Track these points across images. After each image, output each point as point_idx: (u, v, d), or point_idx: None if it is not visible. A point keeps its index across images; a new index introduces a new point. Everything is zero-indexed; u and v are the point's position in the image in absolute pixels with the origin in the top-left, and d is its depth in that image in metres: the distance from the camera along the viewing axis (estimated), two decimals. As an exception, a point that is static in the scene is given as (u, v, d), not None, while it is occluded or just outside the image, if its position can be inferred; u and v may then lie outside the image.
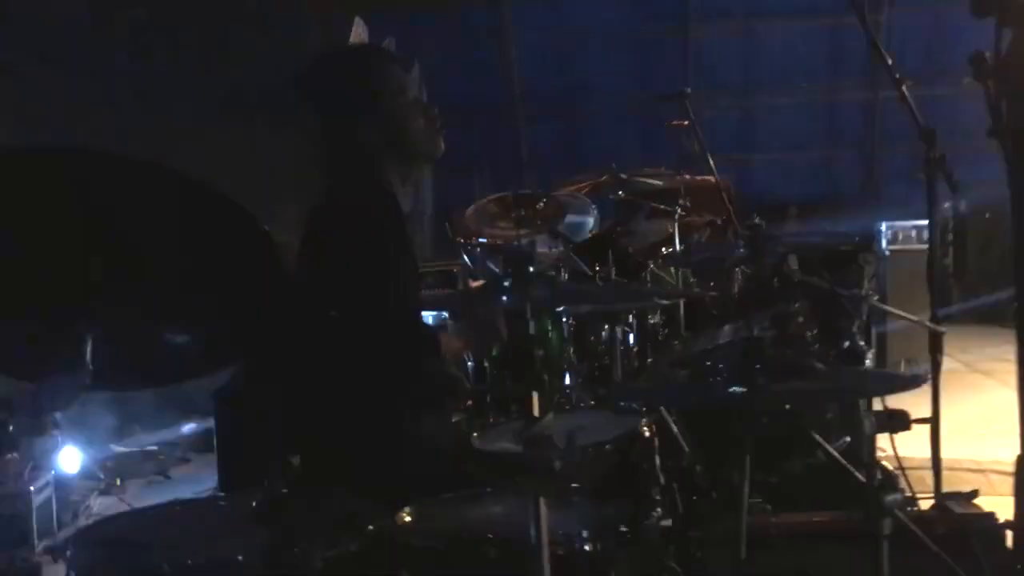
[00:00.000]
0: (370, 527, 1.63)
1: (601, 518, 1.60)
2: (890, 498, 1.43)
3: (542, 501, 1.30)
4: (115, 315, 1.29)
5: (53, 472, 4.78)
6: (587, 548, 1.56)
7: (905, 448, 5.46)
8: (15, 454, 4.86)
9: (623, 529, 1.58)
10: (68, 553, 1.53)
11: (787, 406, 1.71)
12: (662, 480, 1.97)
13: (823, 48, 10.70)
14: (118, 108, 5.43)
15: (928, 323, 2.76)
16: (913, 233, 7.42)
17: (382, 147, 2.47)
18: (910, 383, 1.57)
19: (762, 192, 10.74)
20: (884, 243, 7.48)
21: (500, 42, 11.14)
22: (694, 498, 1.96)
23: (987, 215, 9.76)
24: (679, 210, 4.27)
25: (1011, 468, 3.41)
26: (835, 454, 1.96)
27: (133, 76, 5.53)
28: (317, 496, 1.63)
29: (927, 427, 5.84)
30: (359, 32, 9.45)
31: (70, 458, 4.97)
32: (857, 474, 1.70)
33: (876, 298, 2.56)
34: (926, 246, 7.57)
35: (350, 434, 2.22)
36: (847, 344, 1.98)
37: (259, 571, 1.44)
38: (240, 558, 1.46)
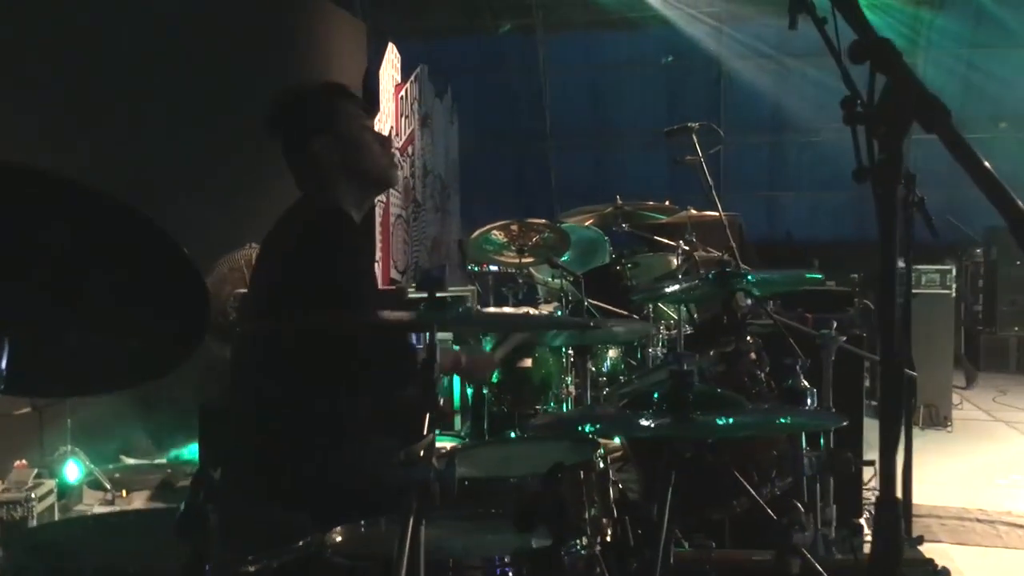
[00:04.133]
0: (299, 543, 1.65)
1: (522, 544, 1.61)
2: (798, 537, 1.41)
3: (412, 520, 1.30)
4: (35, 323, 1.32)
5: (56, 481, 4.87)
6: (508, 573, 1.57)
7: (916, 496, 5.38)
8: (24, 461, 4.97)
9: (542, 559, 1.58)
10: (1, 555, 1.57)
11: (709, 440, 1.70)
12: (613, 508, 1.97)
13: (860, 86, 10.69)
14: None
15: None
16: (937, 277, 7.32)
17: (338, 167, 2.58)
18: (828, 422, 1.55)
19: (790, 231, 10.68)
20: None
21: (534, 74, 11.27)
22: (638, 524, 1.95)
23: (1019, 262, 9.65)
24: (682, 244, 4.26)
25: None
26: (749, 489, 1.94)
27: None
28: (243, 510, 1.65)
29: (944, 474, 5.79)
30: (391, 57, 9.61)
31: (73, 468, 5.05)
32: (770, 511, 1.68)
33: (844, 339, 2.54)
34: (950, 291, 7.50)
35: (307, 442, 2.24)
36: (789, 382, 1.96)
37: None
38: (155, 570, 1.49)
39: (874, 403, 7.43)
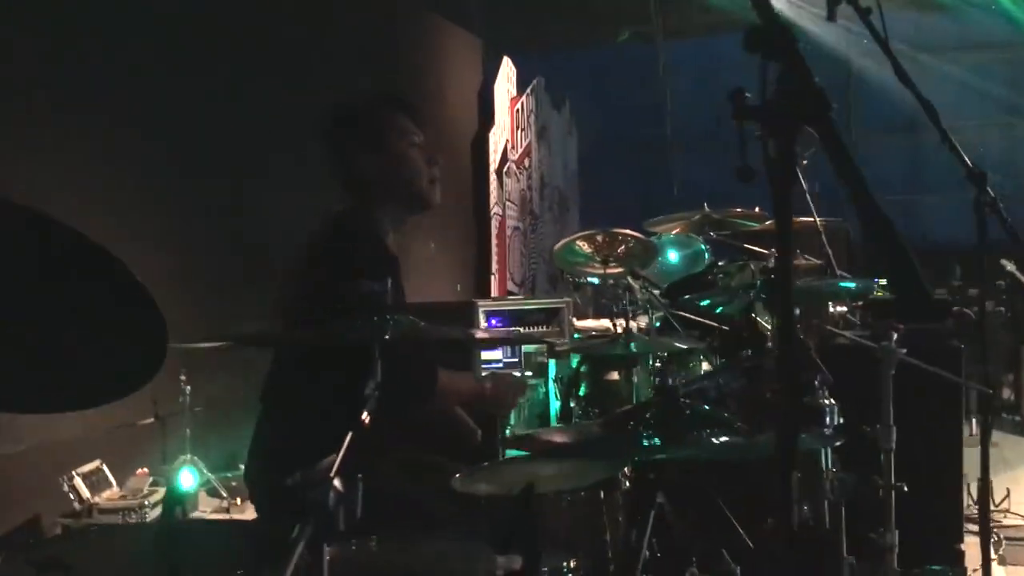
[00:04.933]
0: (291, 560, 1.64)
1: (494, 567, 1.55)
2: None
3: (302, 544, 1.25)
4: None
5: (167, 488, 5.08)
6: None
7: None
8: (145, 469, 5.21)
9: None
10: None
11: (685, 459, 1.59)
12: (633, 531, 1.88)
13: (999, 82, 10.07)
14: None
15: (974, 384, 2.50)
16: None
17: (377, 184, 2.56)
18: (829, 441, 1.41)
19: (931, 236, 10.16)
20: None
21: (654, 81, 11.11)
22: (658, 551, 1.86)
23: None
24: (773, 251, 4.08)
25: None
26: (732, 519, 1.81)
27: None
28: (227, 525, 1.66)
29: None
30: (506, 70, 9.67)
31: (188, 476, 5.26)
32: (742, 533, 1.55)
33: (904, 351, 2.35)
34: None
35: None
36: (805, 399, 1.82)
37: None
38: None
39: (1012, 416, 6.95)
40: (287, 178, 6.11)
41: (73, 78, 4.76)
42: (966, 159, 2.41)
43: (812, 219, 4.19)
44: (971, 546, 3.85)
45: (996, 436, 7.32)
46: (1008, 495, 5.08)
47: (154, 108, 5.16)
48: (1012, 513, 4.98)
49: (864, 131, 10.93)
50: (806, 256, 4.25)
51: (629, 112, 11.10)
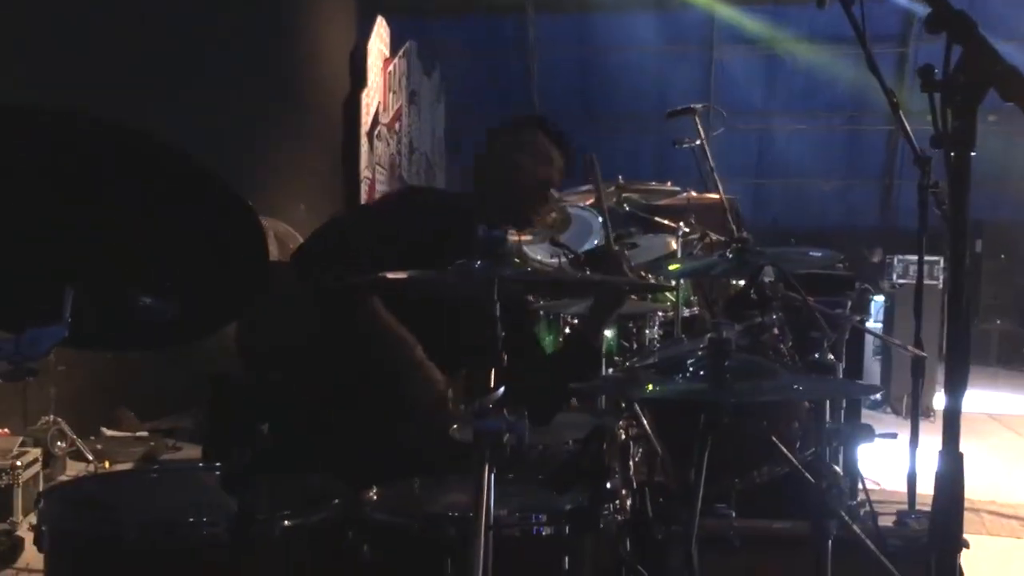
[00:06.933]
0: (335, 501, 1.65)
1: (559, 506, 1.61)
2: (835, 500, 1.42)
3: (486, 472, 1.30)
4: (96, 275, 1.30)
5: (40, 450, 4.82)
6: (543, 532, 1.58)
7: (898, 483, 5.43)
8: (6, 429, 4.91)
9: (579, 518, 1.58)
10: (40, 505, 1.56)
11: (741, 404, 1.68)
12: (633, 480, 1.96)
13: (846, 79, 10.71)
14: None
15: (911, 348, 2.73)
16: (924, 268, 7.35)
17: (485, 176, 2.67)
18: (866, 391, 1.54)
19: (776, 218, 10.73)
20: (894, 276, 7.43)
21: (523, 53, 11.22)
22: (659, 497, 1.95)
23: (1003, 256, 9.68)
24: (682, 225, 4.25)
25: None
26: (788, 455, 1.94)
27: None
28: (284, 469, 1.65)
29: (927, 462, 5.86)
30: (380, 30, 9.51)
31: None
32: (806, 474, 1.68)
33: (858, 319, 2.57)
34: (937, 282, 7.50)
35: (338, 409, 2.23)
36: (816, 355, 1.98)
37: (223, 537, 1.45)
38: (204, 523, 1.49)
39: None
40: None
41: None
42: (914, 145, 2.60)
43: (718, 196, 4.38)
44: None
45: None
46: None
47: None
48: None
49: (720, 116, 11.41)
50: (707, 231, 4.45)
51: (497, 83, 11.16)
